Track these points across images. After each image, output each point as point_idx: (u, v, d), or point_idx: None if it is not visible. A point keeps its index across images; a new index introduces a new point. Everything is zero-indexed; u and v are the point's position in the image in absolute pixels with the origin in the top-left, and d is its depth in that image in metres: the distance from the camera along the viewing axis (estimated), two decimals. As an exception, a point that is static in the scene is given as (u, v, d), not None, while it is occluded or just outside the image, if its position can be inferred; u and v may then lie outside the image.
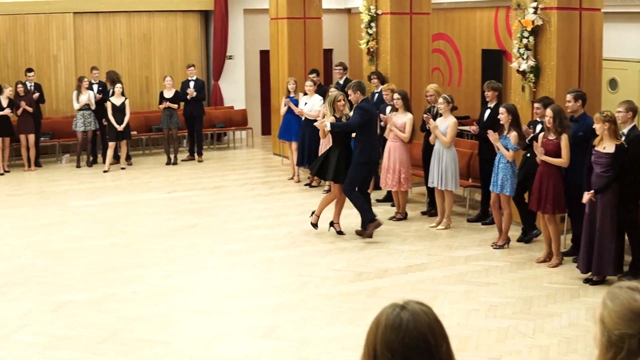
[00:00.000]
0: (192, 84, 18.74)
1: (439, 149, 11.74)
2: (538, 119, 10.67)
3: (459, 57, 20.52)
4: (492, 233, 11.31)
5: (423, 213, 12.88)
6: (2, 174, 17.52)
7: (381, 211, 12.75)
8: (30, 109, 17.79)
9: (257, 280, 9.57)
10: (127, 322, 8.13)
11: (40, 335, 7.84)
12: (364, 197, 11.55)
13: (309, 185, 15.25)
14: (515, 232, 11.19)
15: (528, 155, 10.77)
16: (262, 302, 8.71)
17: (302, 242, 11.27)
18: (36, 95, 18.20)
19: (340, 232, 11.68)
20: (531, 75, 11.41)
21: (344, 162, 11.47)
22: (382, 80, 14.38)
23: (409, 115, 12.35)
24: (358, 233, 11.52)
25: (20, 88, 17.85)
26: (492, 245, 10.92)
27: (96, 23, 20.93)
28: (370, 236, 11.37)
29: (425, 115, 12.05)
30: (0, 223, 12.83)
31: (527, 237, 11.15)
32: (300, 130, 15.25)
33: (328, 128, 11.38)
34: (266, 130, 22.15)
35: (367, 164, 11.48)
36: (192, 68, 19.11)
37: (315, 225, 11.75)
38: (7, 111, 17.25)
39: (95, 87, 18.57)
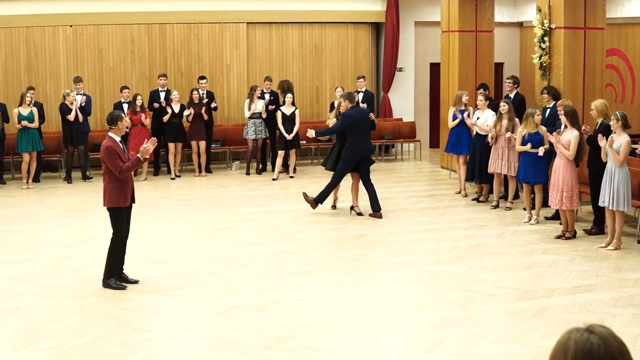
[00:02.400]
0: (361, 95, 18.82)
1: (611, 167, 11.39)
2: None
3: (633, 74, 19.93)
4: (667, 256, 10.90)
5: (585, 231, 12.53)
6: (173, 179, 18.06)
7: (550, 229, 12.50)
8: (205, 116, 18.29)
9: (422, 294, 9.50)
10: (291, 329, 8.19)
11: (207, 337, 7.99)
12: (369, 187, 14.04)
13: (477, 200, 15.08)
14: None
15: None
16: (426, 317, 8.62)
17: (469, 257, 11.13)
18: (214, 104, 18.70)
19: (359, 214, 14.08)
20: None
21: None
22: (555, 96, 14.08)
23: (575, 133, 12.05)
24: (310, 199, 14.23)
25: (195, 95, 18.38)
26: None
27: (269, 33, 21.30)
28: (310, 204, 14.19)
29: (599, 135, 11.75)
30: (172, 227, 13.22)
31: None
32: (471, 145, 15.11)
33: (312, 135, 14.11)
34: (434, 143, 22.06)
35: (351, 160, 13.91)
36: (361, 79, 19.20)
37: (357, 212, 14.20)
38: (183, 113, 17.75)
39: (266, 96, 18.89)
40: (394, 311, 8.85)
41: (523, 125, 13.15)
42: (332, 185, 14.23)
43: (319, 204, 14.21)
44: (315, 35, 21.73)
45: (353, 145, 13.87)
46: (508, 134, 13.79)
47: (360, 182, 14.27)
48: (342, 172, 14.10)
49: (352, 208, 14.31)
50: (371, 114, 15.46)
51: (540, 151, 12.79)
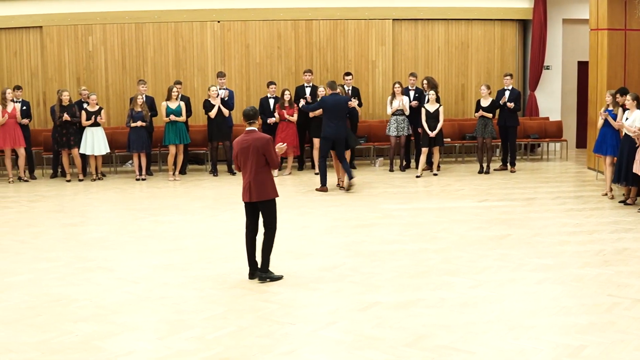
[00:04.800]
0: (507, 93, 18.57)
1: None
2: None
3: None
4: None
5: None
6: (317, 174, 18.16)
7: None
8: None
9: (566, 298, 9.28)
10: (432, 328, 8.13)
11: (348, 333, 8.00)
12: (342, 161, 16.19)
13: (624, 202, 14.64)
14: None
15: None
16: (570, 321, 8.42)
17: (615, 261, 10.82)
18: (356, 101, 18.74)
19: (342, 188, 16.35)
20: None
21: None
22: None
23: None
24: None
25: (339, 91, 18.41)
26: None
27: (414, 30, 21.25)
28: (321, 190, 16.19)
29: None
30: (318, 222, 13.32)
31: None
32: (619, 146, 14.72)
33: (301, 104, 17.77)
34: (581, 143, 21.58)
35: (325, 140, 16.14)
36: (508, 77, 18.94)
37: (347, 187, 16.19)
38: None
39: (411, 93, 18.83)
40: (537, 314, 8.68)
41: None
42: (323, 166, 16.36)
43: (325, 186, 16.27)
44: (461, 32, 21.55)
45: (325, 127, 16.13)
46: None
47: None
48: (323, 151, 16.36)
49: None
50: (350, 102, 17.20)
51: None
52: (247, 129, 9.87)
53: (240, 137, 9.88)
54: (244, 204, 9.99)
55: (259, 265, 9.97)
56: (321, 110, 16.64)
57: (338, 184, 16.57)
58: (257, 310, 8.73)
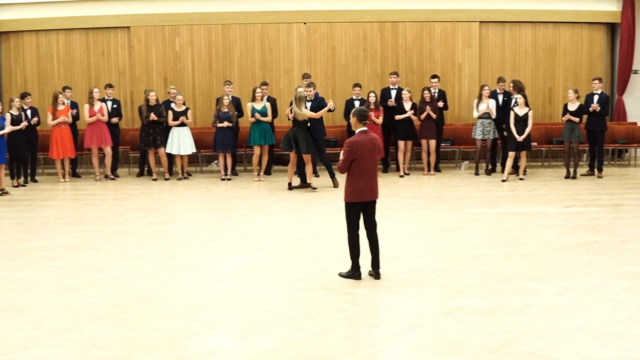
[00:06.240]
0: (595, 97, 18.32)
1: None
2: None
3: None
4: None
5: None
6: (402, 176, 18.16)
7: None
8: (434, 115, 18.30)
9: (656, 306, 9.12)
10: (517, 334, 8.04)
11: (432, 337, 7.96)
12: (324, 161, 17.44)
13: None
14: None
15: None
16: (660, 330, 8.28)
17: None
18: (441, 103, 18.69)
19: (292, 187, 17.04)
20: None
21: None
22: None
23: None
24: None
25: (426, 94, 18.41)
26: None
27: (501, 33, 21.10)
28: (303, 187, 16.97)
29: None
30: (403, 225, 13.28)
31: None
32: None
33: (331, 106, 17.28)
34: (671, 148, 21.19)
35: (315, 139, 16.96)
36: (597, 81, 18.65)
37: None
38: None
39: (500, 97, 18.71)
40: (624, 322, 8.52)
41: None
42: (328, 163, 17.24)
43: (334, 178, 17.19)
44: (548, 35, 21.32)
45: (322, 127, 17.42)
46: None
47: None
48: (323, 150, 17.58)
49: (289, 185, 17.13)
50: (329, 104, 17.27)
51: None
52: (362, 129, 9.84)
53: (358, 137, 9.77)
54: (352, 205, 9.89)
55: (372, 263, 10.06)
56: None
57: (290, 186, 17.17)
58: (342, 311, 8.73)
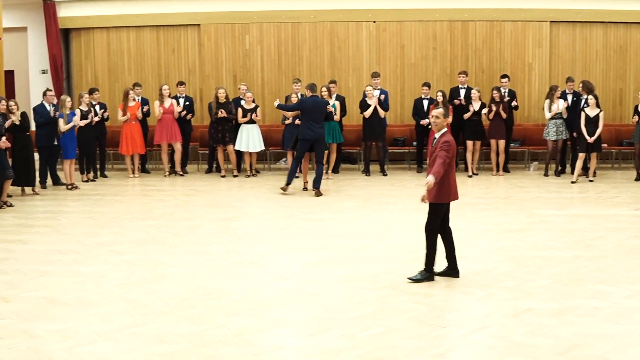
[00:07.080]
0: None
1: None
2: None
3: None
4: None
5: None
6: (470, 176, 18.06)
7: None
8: (504, 115, 18.19)
9: None
10: (585, 338, 7.94)
11: (499, 339, 7.90)
12: (319, 167, 16.42)
13: None
14: None
15: None
16: None
17: None
18: (514, 103, 18.57)
19: (305, 189, 16.80)
20: None
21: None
22: None
23: None
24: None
25: (495, 94, 18.29)
26: None
27: (572, 32, 20.87)
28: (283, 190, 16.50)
29: None
30: (470, 225, 13.19)
31: None
32: None
33: (275, 105, 16.88)
34: None
35: (304, 142, 16.27)
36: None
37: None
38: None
39: (569, 97, 18.52)
40: (696, 328, 8.39)
41: None
42: (294, 166, 16.64)
43: (288, 186, 16.49)
44: (620, 35, 21.01)
45: (304, 129, 16.29)
46: None
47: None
48: (300, 153, 16.47)
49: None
50: (329, 107, 16.98)
51: None
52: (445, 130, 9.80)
53: (450, 136, 9.75)
54: (443, 206, 9.88)
55: (452, 263, 10.09)
56: (299, 111, 16.79)
57: (304, 187, 16.90)
58: (408, 311, 8.71)
